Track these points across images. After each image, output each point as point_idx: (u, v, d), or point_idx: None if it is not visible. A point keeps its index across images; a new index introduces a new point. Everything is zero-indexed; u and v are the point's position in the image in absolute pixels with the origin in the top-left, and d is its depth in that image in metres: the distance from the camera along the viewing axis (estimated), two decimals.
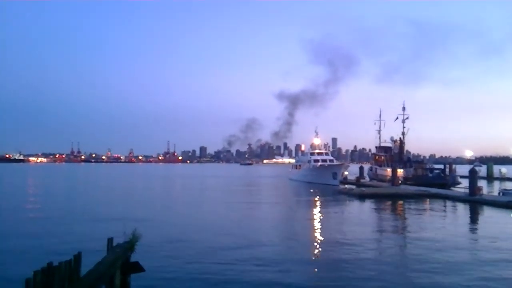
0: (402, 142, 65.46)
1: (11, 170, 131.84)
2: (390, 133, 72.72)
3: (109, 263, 8.53)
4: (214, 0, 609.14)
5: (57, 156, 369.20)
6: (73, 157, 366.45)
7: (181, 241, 17.09)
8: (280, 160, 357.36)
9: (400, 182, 49.74)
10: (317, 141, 72.26)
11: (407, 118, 64.53)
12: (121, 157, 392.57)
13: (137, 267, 10.07)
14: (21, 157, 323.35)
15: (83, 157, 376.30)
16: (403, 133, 65.14)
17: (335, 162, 66.38)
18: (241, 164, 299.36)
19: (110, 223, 21.32)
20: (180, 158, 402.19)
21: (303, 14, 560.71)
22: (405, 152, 68.60)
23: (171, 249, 15.62)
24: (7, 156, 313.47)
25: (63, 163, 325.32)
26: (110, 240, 9.80)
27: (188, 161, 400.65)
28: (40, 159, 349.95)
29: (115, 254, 9.24)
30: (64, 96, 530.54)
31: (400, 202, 34.45)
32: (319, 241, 17.49)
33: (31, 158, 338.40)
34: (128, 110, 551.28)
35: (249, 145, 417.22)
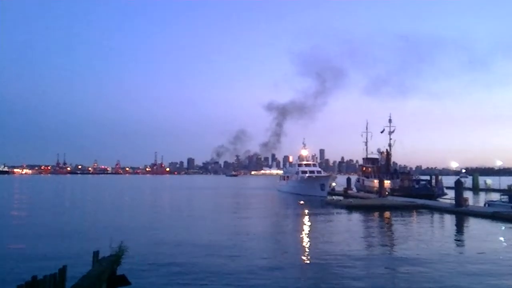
0: (388, 154, 66.13)
1: None
2: (377, 144, 73.67)
3: (95, 276, 8.44)
4: (202, 13, 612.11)
5: (42, 167, 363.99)
6: (58, 169, 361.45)
7: (167, 254, 16.92)
8: (268, 171, 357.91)
9: (387, 193, 50.09)
10: (304, 153, 72.55)
11: (394, 130, 65.45)
12: (108, 169, 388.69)
13: (124, 280, 9.97)
14: (5, 169, 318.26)
15: (69, 168, 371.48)
16: (389, 145, 65.94)
17: (323, 174, 66.64)
18: (226, 176, 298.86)
19: (96, 236, 21.04)
20: (167, 169, 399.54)
21: (292, 26, 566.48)
22: (391, 163, 69.30)
23: (158, 261, 15.44)
24: None
25: (49, 174, 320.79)
26: (95, 253, 9.71)
27: (176, 173, 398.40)
28: (25, 170, 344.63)
29: (101, 267, 9.15)
30: (49, 107, 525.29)
31: (387, 213, 34.64)
32: (307, 254, 17.45)
33: (15, 170, 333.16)
34: (115, 121, 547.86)
35: (237, 156, 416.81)
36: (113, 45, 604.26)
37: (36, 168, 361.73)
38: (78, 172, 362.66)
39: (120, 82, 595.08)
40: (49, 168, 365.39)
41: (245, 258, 16.17)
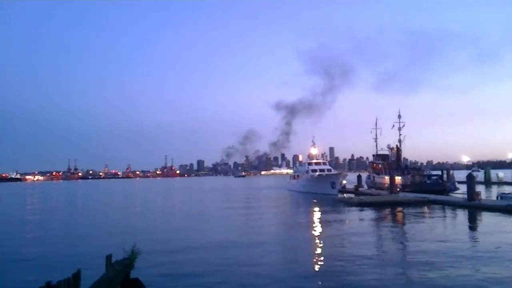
0: (399, 150, 65.60)
1: (7, 189, 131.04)
2: (387, 141, 72.89)
3: (109, 280, 8.46)
4: (209, 12, 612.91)
5: (53, 173, 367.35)
6: (70, 174, 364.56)
7: (180, 257, 16.94)
8: (278, 171, 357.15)
9: (398, 189, 49.73)
10: (314, 151, 72.32)
11: (403, 125, 64.83)
12: (119, 173, 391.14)
13: (137, 284, 9.98)
14: (18, 176, 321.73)
15: (80, 174, 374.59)
16: (399, 141, 65.36)
17: (333, 172, 66.36)
18: (235, 176, 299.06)
19: (109, 240, 21.15)
20: (178, 172, 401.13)
21: (299, 24, 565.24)
22: (402, 159, 68.73)
23: (171, 264, 15.46)
24: (3, 175, 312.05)
25: (60, 180, 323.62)
26: (108, 257, 9.73)
27: (186, 175, 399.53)
28: (37, 177, 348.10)
29: (114, 271, 9.17)
30: (59, 114, 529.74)
31: (399, 209, 34.39)
32: (320, 253, 17.34)
33: (27, 177, 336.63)
34: (125, 126, 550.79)
35: (247, 157, 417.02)
36: (121, 49, 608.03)
37: (48, 174, 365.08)
38: (89, 177, 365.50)
39: (128, 87, 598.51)
40: (60, 174, 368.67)
41: (256, 260, 16.14)
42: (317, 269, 14.27)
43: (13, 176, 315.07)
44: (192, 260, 16.07)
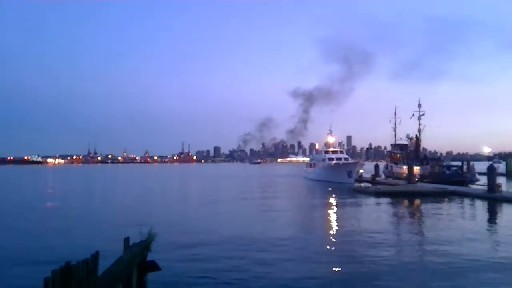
0: (418, 139, 64.82)
1: (30, 171, 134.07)
2: (406, 130, 71.80)
3: (126, 262, 8.57)
4: (225, 0, 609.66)
5: (74, 157, 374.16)
6: (89, 158, 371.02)
7: (195, 241, 17.09)
8: (294, 158, 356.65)
9: (416, 179, 49.21)
10: (331, 139, 71.90)
11: (423, 114, 63.94)
12: (137, 158, 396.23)
13: (154, 266, 10.11)
14: (39, 159, 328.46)
15: (99, 158, 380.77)
16: (419, 130, 64.55)
17: (350, 160, 65.94)
18: (250, 163, 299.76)
19: (127, 223, 21.45)
20: (194, 158, 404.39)
21: (317, 11, 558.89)
22: (421, 149, 67.94)
23: (187, 247, 15.64)
24: (25, 158, 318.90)
25: (80, 164, 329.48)
26: (126, 240, 9.85)
27: (203, 161, 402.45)
28: (57, 160, 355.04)
29: (132, 253, 9.28)
30: (80, 100, 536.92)
31: (417, 200, 34.02)
32: (337, 243, 17.27)
33: (48, 160, 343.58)
34: (143, 111, 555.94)
35: (263, 144, 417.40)
36: (138, 34, 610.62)
37: (68, 158, 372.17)
38: (108, 161, 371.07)
39: (147, 73, 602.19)
40: (80, 158, 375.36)
41: (272, 248, 16.19)
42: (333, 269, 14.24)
43: (34, 159, 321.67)
44: (207, 245, 16.19)
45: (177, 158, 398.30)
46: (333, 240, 17.37)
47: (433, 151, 68.52)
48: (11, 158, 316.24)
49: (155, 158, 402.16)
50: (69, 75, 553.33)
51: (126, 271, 8.34)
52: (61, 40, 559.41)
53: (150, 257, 10.06)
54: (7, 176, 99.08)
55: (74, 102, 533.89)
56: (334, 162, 62.26)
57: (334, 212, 26.97)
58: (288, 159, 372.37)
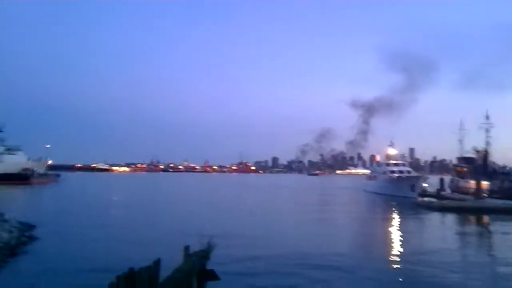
0: (486, 152, 61.32)
1: (98, 178, 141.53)
2: (472, 143, 68.21)
3: (186, 270, 8.78)
4: (285, 10, 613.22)
5: (138, 165, 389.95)
6: (152, 167, 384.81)
7: (255, 252, 17.14)
8: (353, 170, 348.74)
9: (485, 195, 46.46)
10: (393, 151, 69.78)
11: (492, 126, 60.48)
12: (197, 167, 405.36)
13: (213, 275, 10.26)
14: (106, 167, 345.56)
15: (161, 166, 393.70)
16: (487, 143, 61.09)
17: (413, 174, 63.59)
18: (308, 175, 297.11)
19: (187, 231, 21.94)
20: (253, 168, 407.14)
21: (378, 20, 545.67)
22: (489, 163, 64.19)
23: (245, 258, 15.70)
24: (93, 165, 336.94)
25: (144, 172, 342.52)
26: (186, 248, 10.10)
27: (261, 171, 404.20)
28: (122, 168, 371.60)
29: (191, 261, 9.50)
30: (144, 111, 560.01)
31: (486, 217, 32.05)
32: (400, 262, 16.38)
33: (114, 168, 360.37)
34: (203, 122, 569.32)
35: (321, 155, 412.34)
36: (205, 44, 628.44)
37: (133, 166, 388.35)
38: (170, 170, 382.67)
39: (207, 84, 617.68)
40: (144, 166, 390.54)
41: (330, 264, 15.90)
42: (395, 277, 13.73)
43: (102, 167, 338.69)
44: (265, 259, 16.04)
45: (236, 167, 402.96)
46: (396, 259, 16.63)
47: (502, 165, 64.15)
48: (80, 165, 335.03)
49: (214, 167, 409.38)
50: (134, 88, 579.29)
51: (186, 279, 8.56)
52: (130, 56, 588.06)
53: (209, 266, 10.27)
54: (80, 182, 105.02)
55: (139, 113, 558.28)
56: (396, 174, 60.38)
57: (397, 228, 25.98)
58: (347, 171, 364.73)
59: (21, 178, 77.32)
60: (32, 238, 19.14)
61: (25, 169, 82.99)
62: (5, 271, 13.54)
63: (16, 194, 53.94)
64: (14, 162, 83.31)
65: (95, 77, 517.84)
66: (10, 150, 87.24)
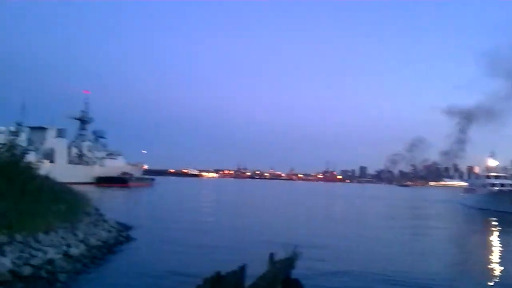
0: None
1: (189, 183, 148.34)
2: None
3: (271, 277, 8.76)
4: (375, 13, 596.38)
5: (225, 172, 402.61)
6: (239, 173, 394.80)
7: (340, 263, 16.72)
8: (449, 182, 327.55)
9: None
10: (493, 163, 64.46)
11: None
12: (282, 174, 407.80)
13: (297, 285, 10.14)
14: (196, 172, 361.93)
15: (248, 173, 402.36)
16: None
17: None
18: (398, 185, 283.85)
19: (271, 238, 22.03)
20: (339, 177, 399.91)
21: (476, 23, 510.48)
22: None
23: (331, 269, 15.36)
24: (184, 171, 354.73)
25: (231, 178, 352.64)
26: (271, 255, 10.09)
27: (347, 181, 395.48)
28: (211, 174, 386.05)
29: (276, 269, 9.46)
30: (232, 118, 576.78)
31: None
32: (499, 282, 15.05)
33: (203, 173, 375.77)
34: (289, 129, 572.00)
35: (413, 165, 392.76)
36: (288, 51, 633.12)
37: (221, 172, 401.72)
38: (256, 177, 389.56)
39: (291, 92, 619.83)
40: (231, 172, 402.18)
41: (423, 281, 14.96)
42: None
43: (192, 172, 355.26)
44: (350, 275, 15.06)
45: (321, 176, 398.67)
46: (496, 280, 15.23)
47: None
48: (173, 170, 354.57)
49: (300, 175, 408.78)
50: (224, 96, 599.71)
51: (271, 287, 8.54)
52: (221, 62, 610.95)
53: (294, 275, 10.16)
54: (173, 186, 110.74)
55: (226, 121, 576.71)
56: (497, 188, 55.66)
57: (499, 250, 23.65)
58: (442, 182, 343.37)
59: (121, 181, 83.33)
60: (129, 239, 20.44)
61: (124, 173, 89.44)
62: (102, 268, 14.55)
63: (115, 196, 58.21)
64: (115, 166, 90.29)
65: (190, 87, 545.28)
66: (111, 154, 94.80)
